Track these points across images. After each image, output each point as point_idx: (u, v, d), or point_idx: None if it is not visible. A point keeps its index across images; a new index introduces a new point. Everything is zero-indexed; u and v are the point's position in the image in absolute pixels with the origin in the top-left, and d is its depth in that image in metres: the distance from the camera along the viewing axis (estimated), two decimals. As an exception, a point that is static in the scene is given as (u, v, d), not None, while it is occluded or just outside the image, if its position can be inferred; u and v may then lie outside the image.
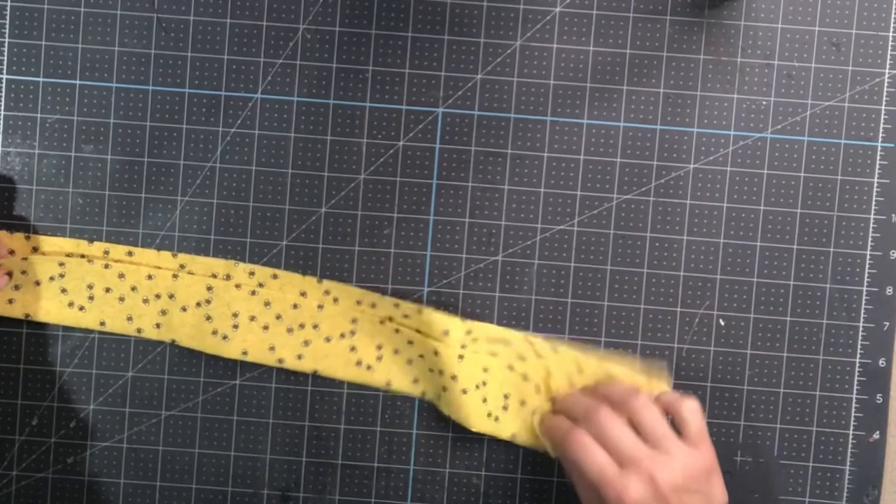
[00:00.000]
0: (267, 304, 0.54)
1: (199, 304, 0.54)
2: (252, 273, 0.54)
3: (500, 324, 0.55)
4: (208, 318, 0.54)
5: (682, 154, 0.55)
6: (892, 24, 0.55)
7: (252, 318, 0.54)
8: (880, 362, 0.55)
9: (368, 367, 0.54)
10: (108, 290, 0.54)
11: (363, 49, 0.55)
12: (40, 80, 0.55)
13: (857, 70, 0.55)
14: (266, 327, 0.54)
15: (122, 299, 0.54)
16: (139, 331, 0.54)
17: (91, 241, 0.54)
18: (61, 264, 0.54)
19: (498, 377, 0.54)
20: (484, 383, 0.54)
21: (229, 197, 0.55)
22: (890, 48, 0.54)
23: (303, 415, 0.55)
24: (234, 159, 0.55)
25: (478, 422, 0.54)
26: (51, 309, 0.54)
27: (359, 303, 0.54)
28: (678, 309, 0.55)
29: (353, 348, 0.54)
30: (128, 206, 0.55)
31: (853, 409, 0.55)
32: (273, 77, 0.55)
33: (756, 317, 0.55)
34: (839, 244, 0.55)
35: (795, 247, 0.55)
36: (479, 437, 0.55)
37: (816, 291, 0.55)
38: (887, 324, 0.55)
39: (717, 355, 0.55)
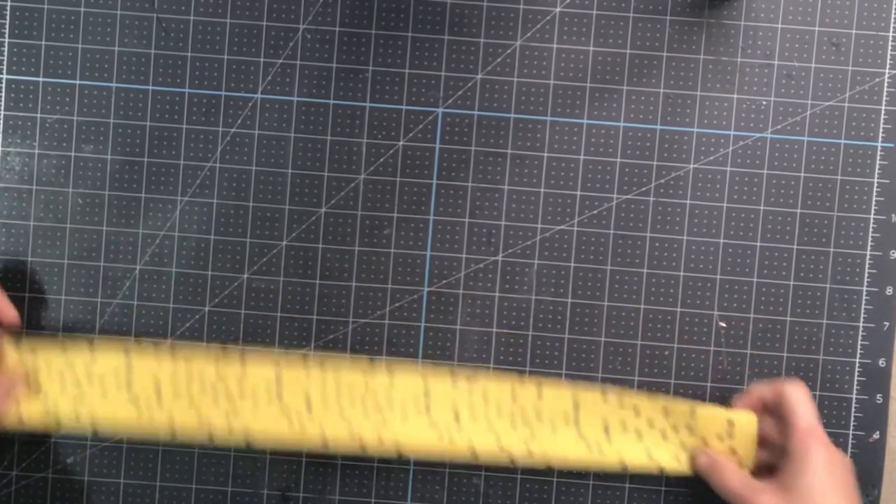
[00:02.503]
0: (338, 385, 0.52)
1: (269, 394, 0.51)
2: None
3: (499, 324, 0.55)
4: (281, 406, 0.51)
5: (682, 154, 0.55)
6: (892, 24, 0.55)
7: (325, 402, 0.51)
8: (880, 362, 0.55)
9: (450, 436, 0.52)
10: (175, 390, 0.51)
11: (363, 49, 0.55)
12: (40, 80, 0.55)
13: (857, 70, 0.55)
14: (341, 410, 0.52)
15: (190, 399, 0.51)
16: (211, 437, 0.51)
17: (91, 342, 0.53)
18: (126, 357, 0.51)
19: (590, 408, 0.52)
20: (576, 417, 0.52)
21: (229, 197, 0.55)
22: (890, 48, 0.54)
23: (303, 415, 0.55)
24: (234, 159, 0.55)
25: (575, 455, 0.52)
26: (118, 414, 0.51)
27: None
28: (678, 309, 0.55)
29: (430, 418, 0.52)
30: (128, 206, 0.55)
31: (853, 409, 0.55)
32: (273, 77, 0.55)
33: (756, 317, 0.55)
34: (839, 244, 0.55)
35: (795, 247, 0.55)
36: (479, 437, 0.55)
37: (816, 291, 0.55)
38: (887, 324, 0.55)
39: (717, 355, 0.55)
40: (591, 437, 0.52)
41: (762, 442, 0.52)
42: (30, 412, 0.51)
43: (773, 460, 0.51)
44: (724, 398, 0.55)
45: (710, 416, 0.52)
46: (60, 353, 0.52)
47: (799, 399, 0.50)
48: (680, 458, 0.52)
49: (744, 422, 0.52)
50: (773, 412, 0.51)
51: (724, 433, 0.52)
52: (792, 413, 0.49)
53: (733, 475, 0.50)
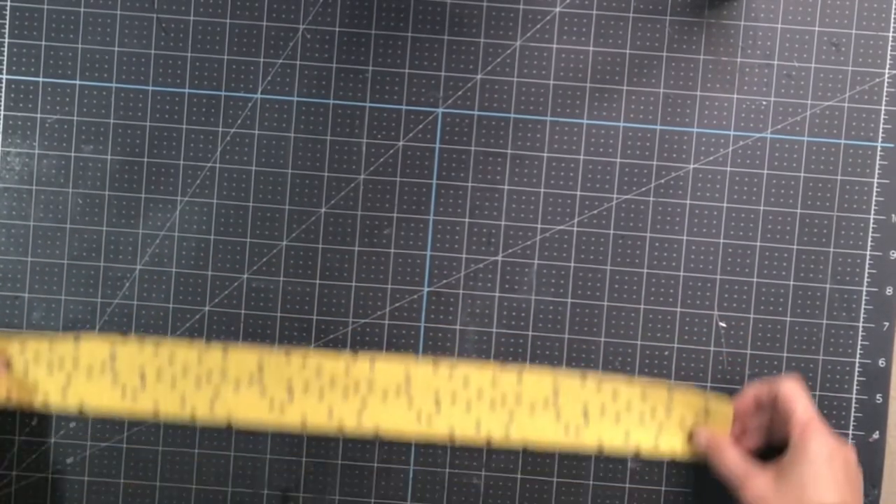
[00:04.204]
0: (319, 371, 0.54)
1: (251, 380, 0.54)
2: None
3: (499, 324, 0.55)
4: (263, 391, 0.54)
5: (682, 154, 0.55)
6: (892, 24, 0.55)
7: (306, 388, 0.54)
8: (880, 362, 0.55)
9: (429, 419, 0.54)
10: (159, 375, 0.54)
11: (363, 49, 0.55)
12: (40, 80, 0.55)
13: (857, 70, 0.55)
14: (322, 394, 0.54)
15: (173, 384, 0.54)
16: (193, 411, 0.54)
17: (77, 337, 0.54)
18: (112, 348, 0.54)
19: (569, 392, 0.54)
20: (555, 400, 0.54)
21: (229, 197, 0.55)
22: (890, 48, 0.54)
23: (303, 415, 0.55)
24: (234, 159, 0.55)
25: (553, 438, 0.53)
26: (103, 397, 0.54)
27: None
28: (678, 309, 0.55)
29: (410, 401, 0.54)
30: (128, 206, 0.55)
31: (853, 409, 0.55)
32: (273, 77, 0.55)
33: (756, 317, 0.55)
34: (839, 244, 0.55)
35: (795, 247, 0.55)
36: (479, 437, 0.55)
37: (816, 291, 0.55)
38: (887, 324, 0.55)
39: (717, 355, 0.55)
40: (569, 420, 0.54)
41: (768, 433, 0.52)
42: (17, 389, 0.53)
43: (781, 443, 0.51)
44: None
45: (687, 399, 0.53)
46: (47, 346, 0.54)
47: (794, 394, 0.50)
48: (657, 441, 0.53)
49: (719, 406, 0.53)
50: (773, 409, 0.52)
51: (700, 417, 0.53)
52: (789, 408, 0.50)
53: (732, 455, 0.51)
